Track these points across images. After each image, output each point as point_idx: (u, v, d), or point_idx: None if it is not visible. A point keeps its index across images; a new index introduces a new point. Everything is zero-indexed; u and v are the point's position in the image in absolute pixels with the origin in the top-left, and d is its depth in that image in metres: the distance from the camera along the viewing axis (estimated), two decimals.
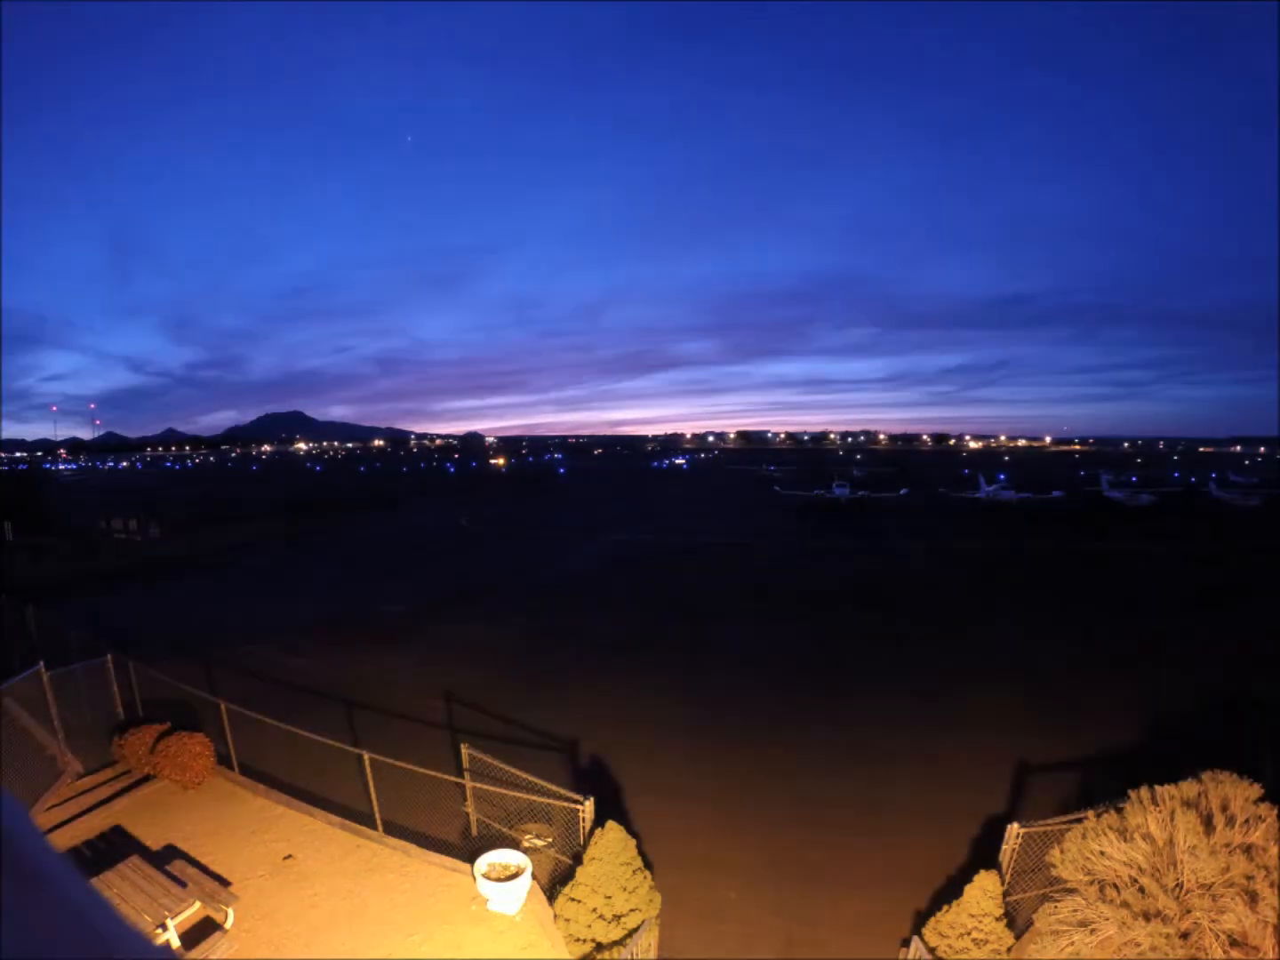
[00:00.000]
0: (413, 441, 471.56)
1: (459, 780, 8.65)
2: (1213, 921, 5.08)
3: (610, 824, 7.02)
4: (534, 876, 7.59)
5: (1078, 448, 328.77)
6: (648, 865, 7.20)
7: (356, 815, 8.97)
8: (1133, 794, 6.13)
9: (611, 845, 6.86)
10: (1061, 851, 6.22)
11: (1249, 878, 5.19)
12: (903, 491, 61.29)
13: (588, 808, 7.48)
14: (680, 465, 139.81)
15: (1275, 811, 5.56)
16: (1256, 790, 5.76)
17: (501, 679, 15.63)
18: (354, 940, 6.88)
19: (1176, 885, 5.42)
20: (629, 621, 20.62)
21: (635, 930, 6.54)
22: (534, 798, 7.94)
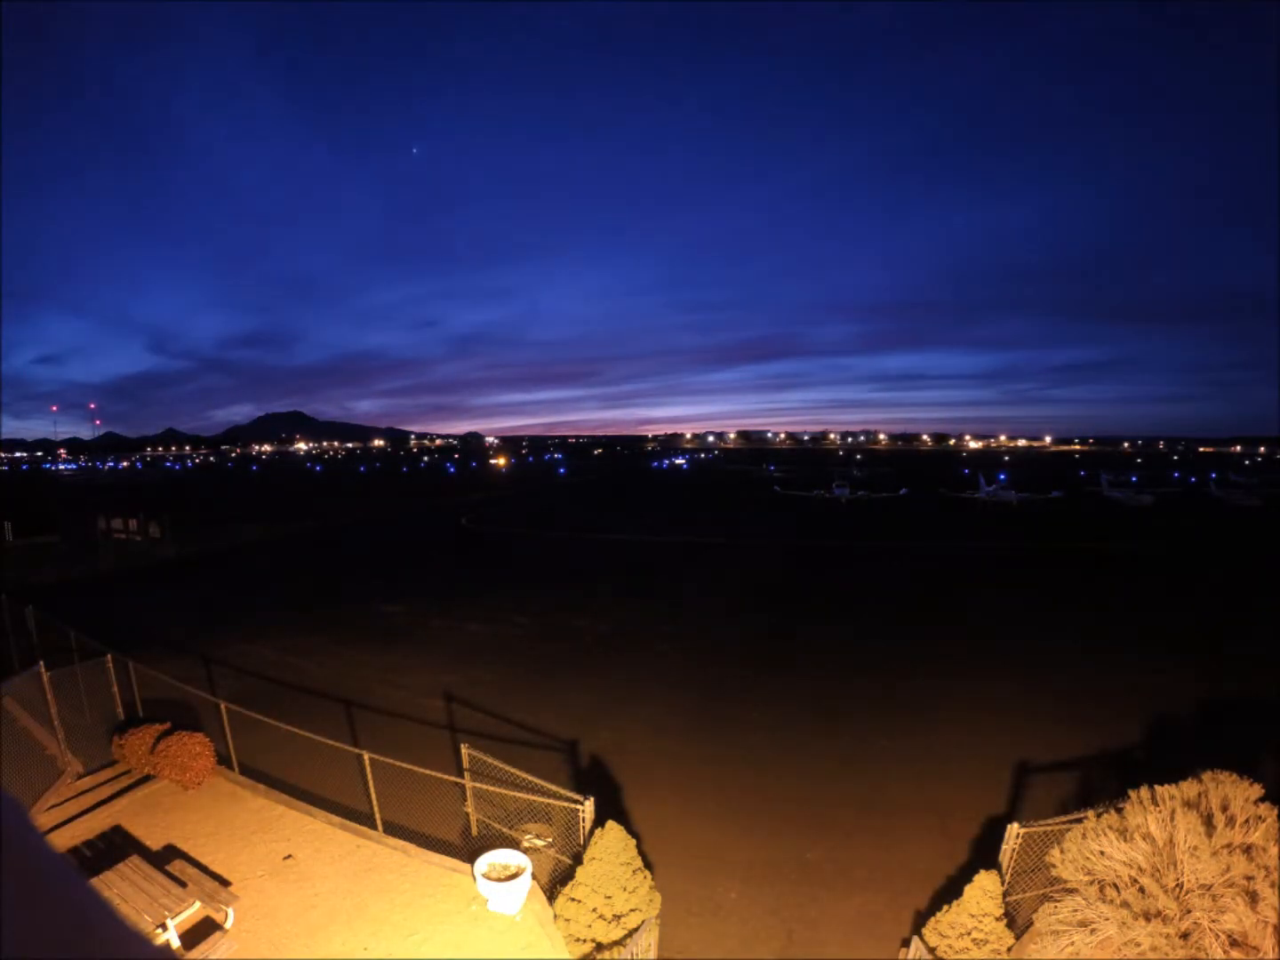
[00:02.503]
0: (412, 441, 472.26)
1: (459, 780, 8.66)
2: (1213, 922, 5.08)
3: (610, 824, 7.02)
4: (534, 877, 7.59)
5: (1077, 447, 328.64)
6: (648, 865, 7.20)
7: (356, 815, 8.98)
8: (1133, 794, 6.12)
9: (611, 845, 6.86)
10: (1061, 851, 6.21)
11: (1249, 878, 5.19)
12: (902, 491, 61.38)
13: (588, 808, 7.47)
14: (680, 465, 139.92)
15: (1275, 811, 5.56)
16: (1257, 790, 5.76)
17: (499, 674, 15.65)
18: (354, 940, 6.88)
19: (1176, 885, 5.42)
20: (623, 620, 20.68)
21: (635, 930, 6.54)
22: (534, 798, 7.94)
